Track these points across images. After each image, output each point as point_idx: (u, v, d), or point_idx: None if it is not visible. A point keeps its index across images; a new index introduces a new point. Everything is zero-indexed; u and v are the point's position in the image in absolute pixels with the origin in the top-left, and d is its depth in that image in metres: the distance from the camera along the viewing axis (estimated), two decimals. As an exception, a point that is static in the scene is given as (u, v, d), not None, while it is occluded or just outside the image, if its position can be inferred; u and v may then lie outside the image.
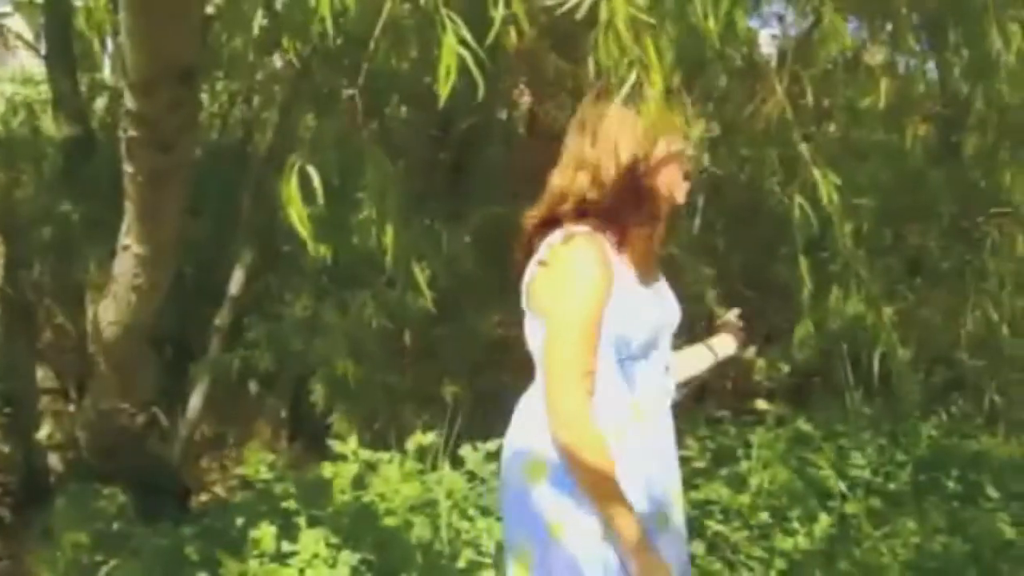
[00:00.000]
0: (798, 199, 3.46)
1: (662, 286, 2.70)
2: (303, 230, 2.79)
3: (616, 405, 2.52)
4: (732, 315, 3.14)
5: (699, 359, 3.00)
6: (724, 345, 3.05)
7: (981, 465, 5.59)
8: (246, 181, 6.32)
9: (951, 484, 5.34)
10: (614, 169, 2.48)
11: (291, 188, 2.69)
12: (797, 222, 3.51)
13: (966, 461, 5.62)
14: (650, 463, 2.55)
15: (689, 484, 5.14)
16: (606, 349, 2.49)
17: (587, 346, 2.46)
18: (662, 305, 2.64)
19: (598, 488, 2.42)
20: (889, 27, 5.12)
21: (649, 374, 2.57)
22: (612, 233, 2.52)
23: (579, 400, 2.44)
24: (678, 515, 2.65)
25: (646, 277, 2.59)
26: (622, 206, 2.51)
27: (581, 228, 2.51)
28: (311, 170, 2.66)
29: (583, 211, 2.52)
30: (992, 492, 5.27)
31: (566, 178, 2.55)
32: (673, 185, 2.57)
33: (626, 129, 2.45)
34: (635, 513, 2.43)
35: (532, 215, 2.61)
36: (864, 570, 4.73)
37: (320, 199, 2.70)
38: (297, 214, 2.73)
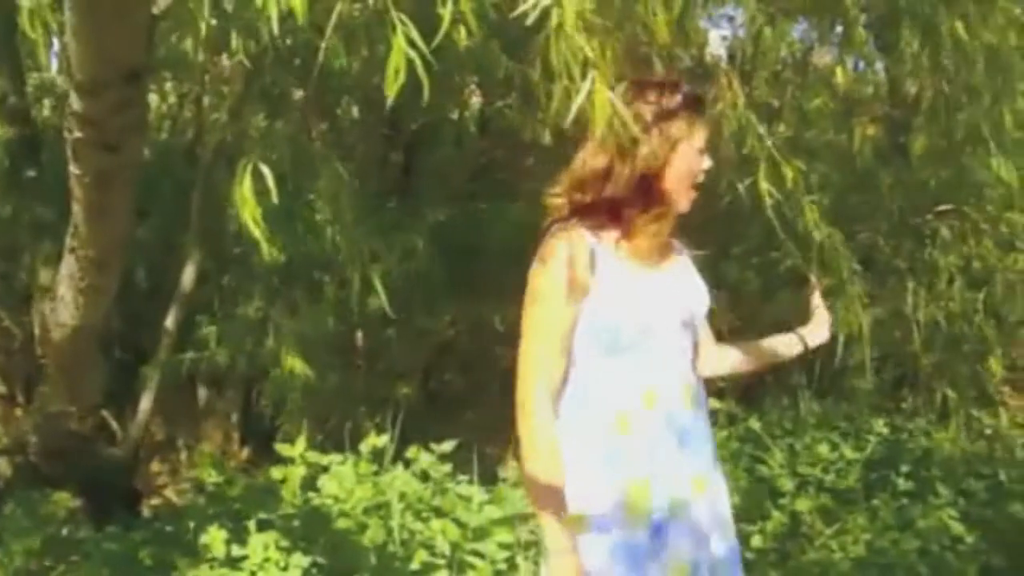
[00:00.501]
0: (765, 185, 3.46)
1: (679, 275, 2.67)
2: (257, 232, 2.75)
3: (615, 396, 2.54)
4: (818, 301, 3.00)
5: (785, 347, 2.95)
6: (816, 333, 2.96)
7: (931, 462, 5.64)
8: (196, 182, 6.26)
9: (901, 481, 5.37)
10: (629, 164, 2.49)
11: (244, 189, 2.65)
12: (770, 208, 3.52)
13: (916, 458, 5.68)
14: (658, 451, 2.53)
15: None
16: (595, 342, 2.52)
17: (550, 346, 2.50)
18: (664, 294, 2.59)
19: (536, 487, 2.46)
20: (839, 29, 5.16)
21: (653, 363, 2.55)
22: (615, 227, 2.55)
23: (537, 398, 2.48)
24: (699, 505, 2.57)
25: (652, 269, 2.58)
26: (630, 202, 2.53)
27: (571, 223, 2.54)
28: (264, 170, 2.62)
29: (596, 201, 2.54)
30: (941, 489, 5.32)
31: (586, 166, 2.56)
32: (680, 192, 2.56)
33: (650, 127, 2.47)
34: (560, 519, 2.43)
35: (555, 195, 2.61)
36: (816, 567, 4.76)
37: (274, 199, 2.67)
38: (251, 216, 2.69)
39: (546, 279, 2.50)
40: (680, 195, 2.56)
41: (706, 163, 2.58)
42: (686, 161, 2.53)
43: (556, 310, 2.49)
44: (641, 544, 2.49)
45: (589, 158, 2.54)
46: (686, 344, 2.63)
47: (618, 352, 2.53)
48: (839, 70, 5.64)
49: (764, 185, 3.52)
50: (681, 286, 2.65)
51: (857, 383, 6.36)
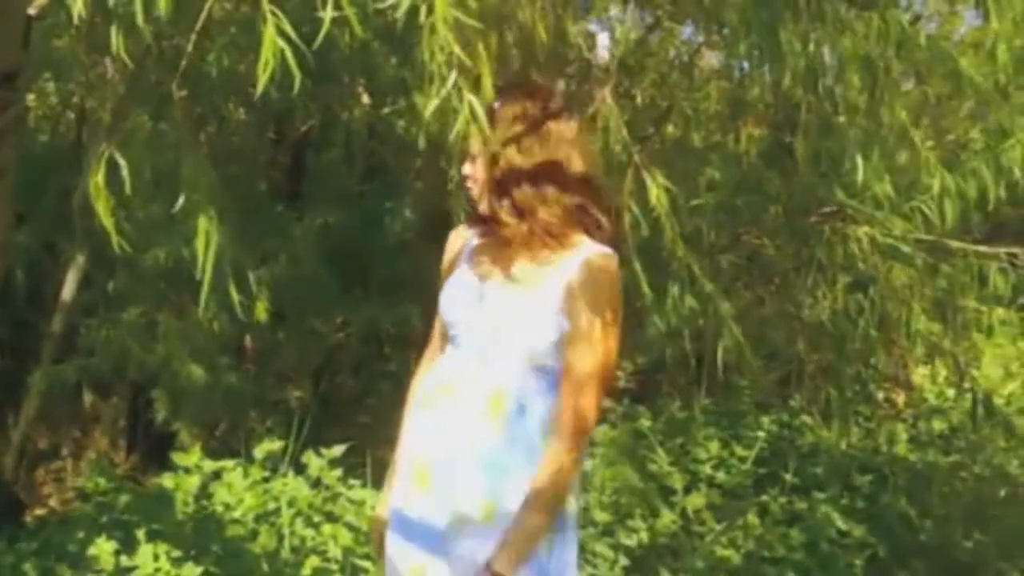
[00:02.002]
0: (628, 202, 3.50)
1: (518, 293, 2.54)
2: (108, 223, 2.72)
3: (430, 379, 2.66)
4: None
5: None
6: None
7: (818, 458, 5.75)
8: (78, 184, 6.13)
9: (788, 477, 5.47)
10: None
11: (98, 180, 2.61)
12: (628, 225, 3.55)
13: (803, 455, 5.78)
14: (428, 435, 2.59)
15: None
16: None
17: (436, 318, 2.71)
18: (480, 303, 2.57)
19: None
20: (725, 31, 5.22)
21: (455, 355, 2.61)
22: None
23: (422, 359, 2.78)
24: (466, 537, 2.50)
25: (488, 275, 2.58)
26: None
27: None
28: (120, 161, 2.58)
29: None
30: (828, 484, 5.43)
31: None
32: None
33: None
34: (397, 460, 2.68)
35: None
36: (707, 562, 4.81)
37: (128, 190, 2.64)
38: (103, 208, 2.65)
39: None
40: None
41: (464, 168, 2.57)
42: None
43: (439, 291, 2.69)
44: (414, 517, 2.57)
45: None
46: (500, 357, 2.54)
47: (447, 341, 2.64)
48: (713, 84, 5.74)
49: (628, 202, 3.55)
50: (510, 304, 2.55)
51: (743, 382, 6.46)
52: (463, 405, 2.54)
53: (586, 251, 2.50)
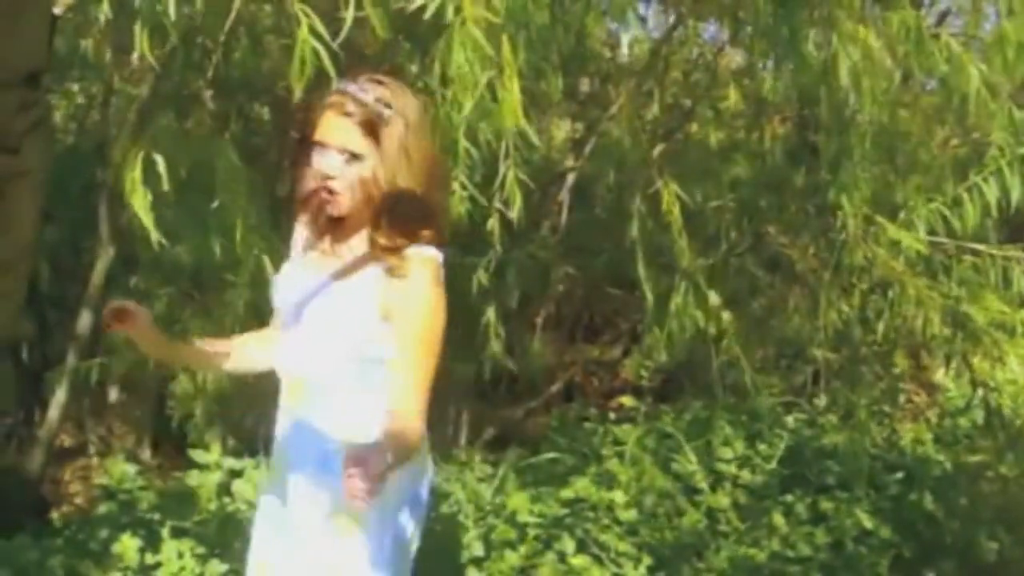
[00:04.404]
0: (639, 208, 3.52)
1: (330, 281, 2.60)
2: (147, 219, 2.76)
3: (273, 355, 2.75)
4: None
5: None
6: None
7: (841, 458, 5.72)
8: (104, 183, 6.16)
9: (812, 477, 5.45)
10: None
11: (135, 177, 2.65)
12: (639, 233, 3.58)
13: (827, 454, 5.76)
14: (278, 425, 2.70)
15: (560, 481, 5.17)
16: None
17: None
18: (295, 289, 2.65)
19: None
20: (748, 29, 5.20)
21: (287, 345, 2.68)
22: None
23: None
24: (286, 486, 2.65)
25: (315, 267, 2.65)
26: None
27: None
28: (157, 158, 2.62)
29: None
30: (853, 483, 5.41)
31: None
32: (310, 188, 2.60)
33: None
34: None
35: None
36: (732, 563, 4.80)
37: (165, 186, 2.67)
38: (140, 204, 2.69)
39: None
40: (311, 191, 2.59)
41: (321, 162, 2.54)
42: (313, 159, 2.56)
43: None
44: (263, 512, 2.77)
45: None
46: (301, 340, 2.64)
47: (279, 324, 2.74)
48: (733, 84, 5.72)
49: (639, 208, 3.57)
50: (318, 290, 2.62)
51: (765, 381, 6.43)
52: (286, 392, 2.68)
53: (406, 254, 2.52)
